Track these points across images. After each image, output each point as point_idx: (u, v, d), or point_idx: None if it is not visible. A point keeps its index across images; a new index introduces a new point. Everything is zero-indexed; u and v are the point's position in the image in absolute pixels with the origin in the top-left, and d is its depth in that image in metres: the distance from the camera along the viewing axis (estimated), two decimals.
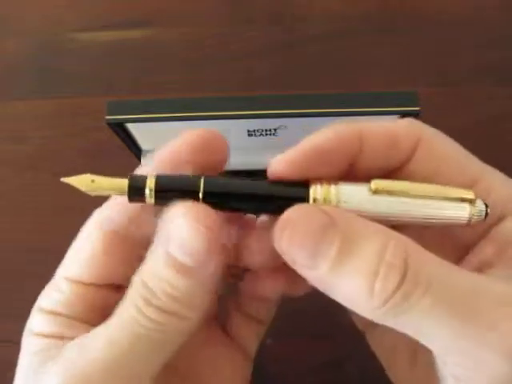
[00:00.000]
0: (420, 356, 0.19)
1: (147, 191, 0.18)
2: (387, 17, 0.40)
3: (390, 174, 0.19)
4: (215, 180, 0.18)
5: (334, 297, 0.16)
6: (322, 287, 0.17)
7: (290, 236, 0.16)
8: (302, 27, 0.38)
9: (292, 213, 0.17)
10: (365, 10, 0.40)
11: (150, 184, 0.18)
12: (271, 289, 0.20)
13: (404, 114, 0.28)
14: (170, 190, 0.18)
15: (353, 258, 0.16)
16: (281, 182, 0.18)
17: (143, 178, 0.18)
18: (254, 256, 0.19)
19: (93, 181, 0.18)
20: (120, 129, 0.29)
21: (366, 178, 0.18)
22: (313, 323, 0.32)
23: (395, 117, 0.29)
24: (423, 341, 0.16)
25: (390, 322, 0.16)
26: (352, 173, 0.18)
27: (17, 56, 0.41)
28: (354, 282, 0.16)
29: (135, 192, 0.18)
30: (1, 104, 0.40)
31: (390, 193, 0.18)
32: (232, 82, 0.38)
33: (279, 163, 0.18)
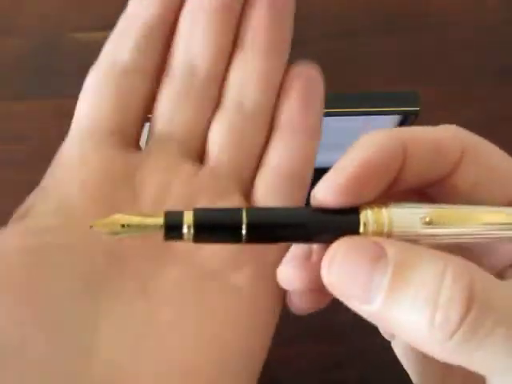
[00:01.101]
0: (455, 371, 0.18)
1: (185, 229, 0.16)
2: (387, 17, 0.40)
3: (434, 185, 0.18)
4: (258, 211, 0.18)
5: (392, 332, 0.15)
6: (376, 322, 0.16)
7: (340, 269, 0.16)
8: (302, 27, 0.38)
9: (340, 245, 0.16)
10: (365, 10, 0.40)
11: (188, 220, 0.16)
12: (299, 306, 0.19)
13: (404, 114, 0.28)
14: (210, 225, 0.17)
15: (408, 289, 0.15)
16: (327, 209, 0.17)
17: (179, 214, 0.16)
18: (292, 284, 0.18)
19: (123, 226, 0.17)
20: None
21: (408, 191, 0.18)
22: (313, 325, 0.32)
23: (395, 117, 0.29)
24: (477, 369, 0.15)
25: (457, 359, 0.14)
26: (392, 186, 0.17)
27: (16, 56, 0.41)
28: (411, 315, 0.14)
29: (172, 230, 0.16)
30: (0, 104, 0.40)
31: (444, 224, 0.16)
32: None
33: (326, 192, 0.17)
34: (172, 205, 0.20)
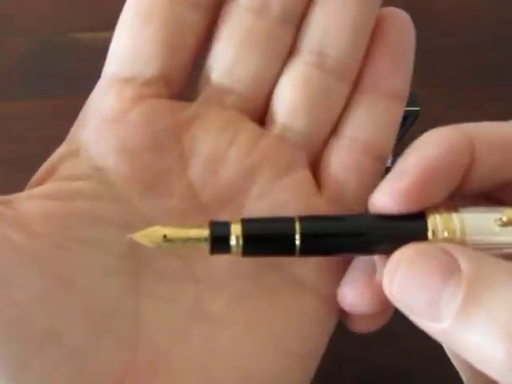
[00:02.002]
0: None
1: (233, 240, 0.15)
2: None
3: (504, 188, 0.16)
4: (312, 220, 0.16)
5: (458, 352, 0.13)
6: (443, 340, 0.14)
7: (404, 280, 0.14)
8: None
9: (406, 252, 0.14)
10: None
11: (236, 231, 0.15)
12: (359, 327, 0.18)
13: (404, 114, 0.28)
14: (261, 237, 0.15)
15: (482, 310, 0.13)
16: (389, 216, 0.15)
17: (226, 225, 0.15)
18: (355, 307, 0.17)
19: (165, 237, 0.15)
20: None
21: (476, 194, 0.16)
22: None
23: None
24: None
25: None
26: (457, 190, 0.16)
27: (17, 56, 0.41)
28: (485, 341, 0.12)
29: (218, 243, 0.15)
30: (0, 104, 0.40)
31: None
32: None
33: (386, 198, 0.15)
34: (226, 177, 0.17)
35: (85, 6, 0.42)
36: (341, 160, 0.18)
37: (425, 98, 0.28)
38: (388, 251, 0.15)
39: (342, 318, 0.18)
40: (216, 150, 0.17)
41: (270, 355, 0.16)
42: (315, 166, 0.19)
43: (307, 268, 0.17)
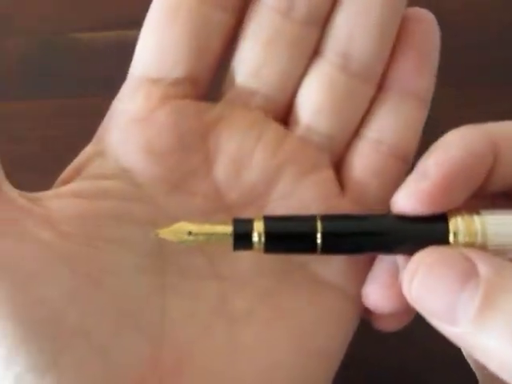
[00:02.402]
0: None
1: (255, 237, 0.15)
2: None
3: None
4: (334, 219, 0.16)
5: (474, 355, 0.14)
6: (460, 343, 0.14)
7: (423, 283, 0.14)
8: None
9: (425, 255, 0.14)
10: None
11: (259, 228, 0.15)
12: (385, 325, 0.18)
13: None
14: (282, 234, 0.16)
15: (499, 313, 0.13)
16: (410, 216, 0.15)
17: (249, 222, 0.15)
18: (380, 306, 0.17)
19: (190, 233, 0.16)
20: None
21: (497, 196, 0.16)
22: None
23: None
24: None
25: None
26: (479, 190, 0.16)
27: (17, 56, 0.41)
28: (499, 343, 0.13)
29: (241, 239, 0.15)
30: (0, 104, 0.40)
31: None
32: None
33: (408, 199, 0.15)
34: (251, 177, 0.17)
35: (85, 6, 0.42)
36: (364, 161, 0.18)
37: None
38: (409, 252, 0.15)
39: (367, 316, 0.18)
40: (241, 150, 0.18)
41: (294, 353, 0.17)
42: (338, 167, 0.19)
43: (331, 267, 0.18)
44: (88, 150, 0.18)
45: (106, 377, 0.15)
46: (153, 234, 0.16)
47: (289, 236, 0.16)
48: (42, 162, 0.35)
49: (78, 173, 0.18)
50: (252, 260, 0.17)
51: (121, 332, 0.15)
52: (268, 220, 0.16)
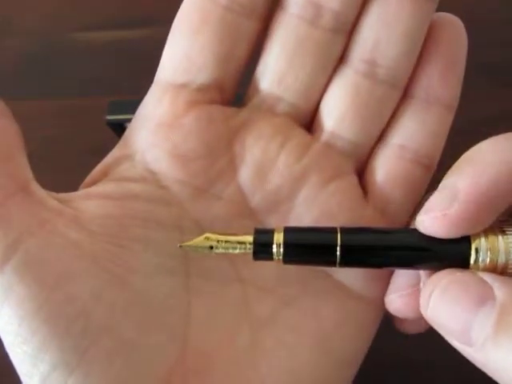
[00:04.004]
0: None
1: (274, 248, 0.15)
2: None
3: None
4: (354, 232, 0.16)
5: (489, 374, 0.14)
6: (473, 361, 0.14)
7: (439, 303, 0.14)
8: None
9: (442, 276, 0.14)
10: None
11: (278, 239, 0.15)
12: (408, 329, 0.18)
13: None
14: (302, 245, 0.16)
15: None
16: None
17: (270, 232, 0.16)
18: (404, 313, 0.17)
19: (211, 247, 0.16)
20: (120, 129, 0.29)
21: None
22: None
23: None
24: None
25: None
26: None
27: (17, 56, 0.41)
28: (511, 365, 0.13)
29: (261, 249, 0.16)
30: None
31: None
32: None
33: (435, 222, 0.15)
34: (275, 182, 0.17)
35: (85, 6, 0.42)
36: (388, 168, 0.18)
37: None
38: (429, 268, 0.15)
39: (391, 319, 0.18)
40: (265, 156, 0.18)
41: (315, 358, 0.17)
42: (362, 174, 0.19)
43: (353, 274, 0.18)
44: (114, 153, 0.18)
45: (131, 373, 0.15)
46: (176, 246, 0.16)
47: (308, 248, 0.16)
48: (42, 161, 0.35)
49: (105, 175, 0.18)
50: (275, 266, 0.17)
51: (146, 330, 0.15)
52: (288, 231, 0.16)
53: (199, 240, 0.16)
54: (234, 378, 0.16)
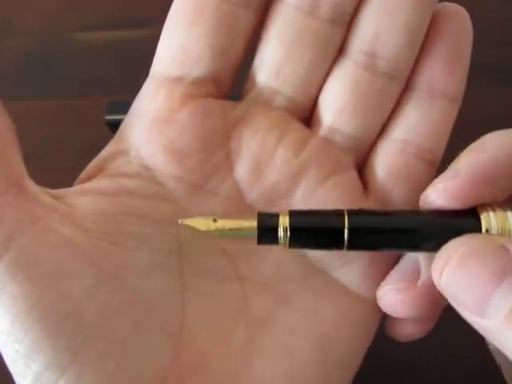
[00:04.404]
0: None
1: (280, 232, 0.15)
2: None
3: None
4: (362, 214, 0.16)
5: (500, 349, 0.13)
6: (486, 335, 0.13)
7: (455, 273, 0.13)
8: None
9: (460, 243, 0.14)
10: None
11: (284, 222, 0.15)
12: (398, 333, 0.18)
13: None
14: (308, 229, 0.15)
15: None
16: (438, 211, 0.15)
17: (275, 216, 0.15)
18: (394, 309, 0.17)
19: (215, 220, 0.16)
20: None
21: None
22: None
23: None
24: None
25: None
26: None
27: (17, 56, 0.41)
28: None
29: (266, 233, 0.15)
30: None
31: None
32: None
33: (438, 193, 0.15)
34: (273, 177, 0.17)
35: (85, 6, 0.42)
36: (390, 163, 0.18)
37: None
38: (438, 249, 0.15)
39: (384, 323, 0.18)
40: (263, 150, 0.17)
41: (313, 359, 0.17)
42: (363, 168, 0.18)
43: (352, 274, 0.17)
44: (109, 148, 0.18)
45: (125, 373, 0.15)
46: (180, 221, 0.16)
47: (315, 231, 0.15)
48: (42, 161, 0.35)
49: (100, 170, 0.18)
50: (274, 264, 0.17)
51: (140, 329, 0.15)
52: (294, 214, 0.15)
53: (201, 221, 0.15)
54: (230, 377, 0.16)
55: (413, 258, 0.17)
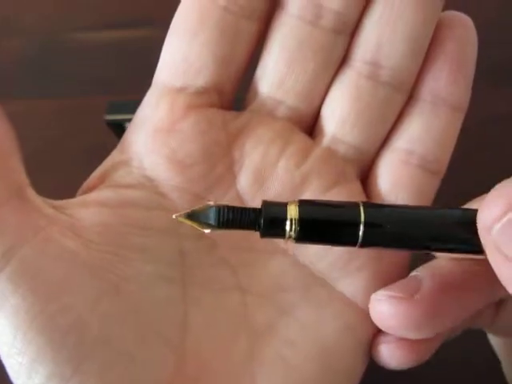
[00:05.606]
0: None
1: (288, 225, 0.13)
2: None
3: None
4: (379, 208, 0.14)
5: None
6: None
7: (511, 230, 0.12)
8: None
9: None
10: None
11: (294, 213, 0.13)
12: (388, 359, 0.17)
13: None
14: (319, 222, 0.14)
15: None
16: (460, 209, 0.14)
17: (282, 206, 0.14)
18: (385, 320, 0.16)
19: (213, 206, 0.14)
20: (120, 129, 0.29)
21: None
22: None
23: None
24: None
25: None
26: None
27: (17, 56, 0.41)
28: None
29: (272, 225, 0.14)
30: (0, 104, 0.40)
31: None
32: None
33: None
34: (275, 188, 0.17)
35: (85, 6, 0.42)
36: (394, 174, 0.17)
37: None
38: (451, 250, 0.14)
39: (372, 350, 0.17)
40: (265, 161, 0.17)
41: (313, 371, 0.16)
42: (366, 179, 0.18)
43: (355, 285, 0.17)
44: (112, 158, 0.18)
45: (127, 383, 0.14)
46: (176, 216, 0.14)
47: (327, 224, 0.14)
48: (42, 161, 0.35)
49: (102, 181, 0.17)
50: (275, 274, 0.17)
51: (143, 340, 0.15)
52: (303, 205, 0.14)
53: (201, 207, 0.14)
54: None
55: (419, 275, 0.16)
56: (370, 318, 0.17)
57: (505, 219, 0.12)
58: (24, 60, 0.41)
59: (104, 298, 0.15)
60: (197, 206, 0.14)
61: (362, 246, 0.14)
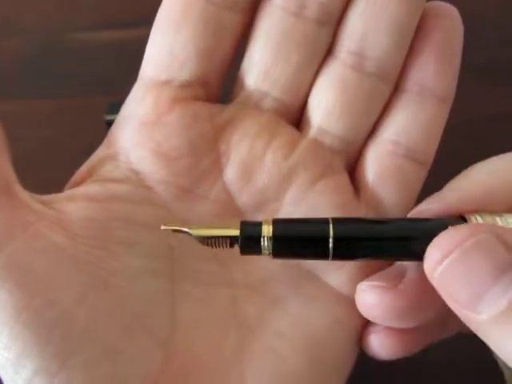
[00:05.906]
0: None
1: (264, 241, 0.15)
2: None
3: None
4: (347, 222, 0.15)
5: (490, 346, 0.13)
6: (477, 332, 0.13)
7: (452, 270, 0.13)
8: None
9: (460, 233, 0.13)
10: None
11: (267, 231, 0.15)
12: (377, 349, 0.17)
13: None
14: (292, 238, 0.15)
15: None
16: (425, 219, 0.15)
17: (258, 225, 0.15)
18: (371, 310, 0.16)
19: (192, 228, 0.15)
20: None
21: None
22: None
23: None
24: None
25: None
26: None
27: (17, 56, 0.41)
28: None
29: (249, 243, 0.15)
30: (0, 103, 0.40)
31: None
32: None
33: (432, 205, 0.15)
34: (263, 181, 0.17)
35: (85, 6, 0.42)
36: (381, 165, 0.18)
37: None
38: (419, 259, 0.14)
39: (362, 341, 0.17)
40: (252, 153, 0.17)
41: (303, 363, 0.16)
42: (353, 170, 0.18)
43: (343, 277, 0.17)
44: (99, 152, 0.18)
45: (115, 379, 0.14)
46: (162, 226, 0.15)
47: (299, 240, 0.15)
48: (41, 161, 0.35)
49: (89, 175, 0.17)
50: (264, 268, 0.17)
51: (130, 334, 0.15)
52: (277, 223, 0.15)
53: (182, 229, 0.15)
54: (220, 381, 0.16)
55: (404, 264, 0.16)
56: (358, 309, 0.17)
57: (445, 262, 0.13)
58: (24, 60, 0.41)
59: (91, 292, 0.15)
60: (177, 225, 0.15)
61: (334, 258, 0.15)
